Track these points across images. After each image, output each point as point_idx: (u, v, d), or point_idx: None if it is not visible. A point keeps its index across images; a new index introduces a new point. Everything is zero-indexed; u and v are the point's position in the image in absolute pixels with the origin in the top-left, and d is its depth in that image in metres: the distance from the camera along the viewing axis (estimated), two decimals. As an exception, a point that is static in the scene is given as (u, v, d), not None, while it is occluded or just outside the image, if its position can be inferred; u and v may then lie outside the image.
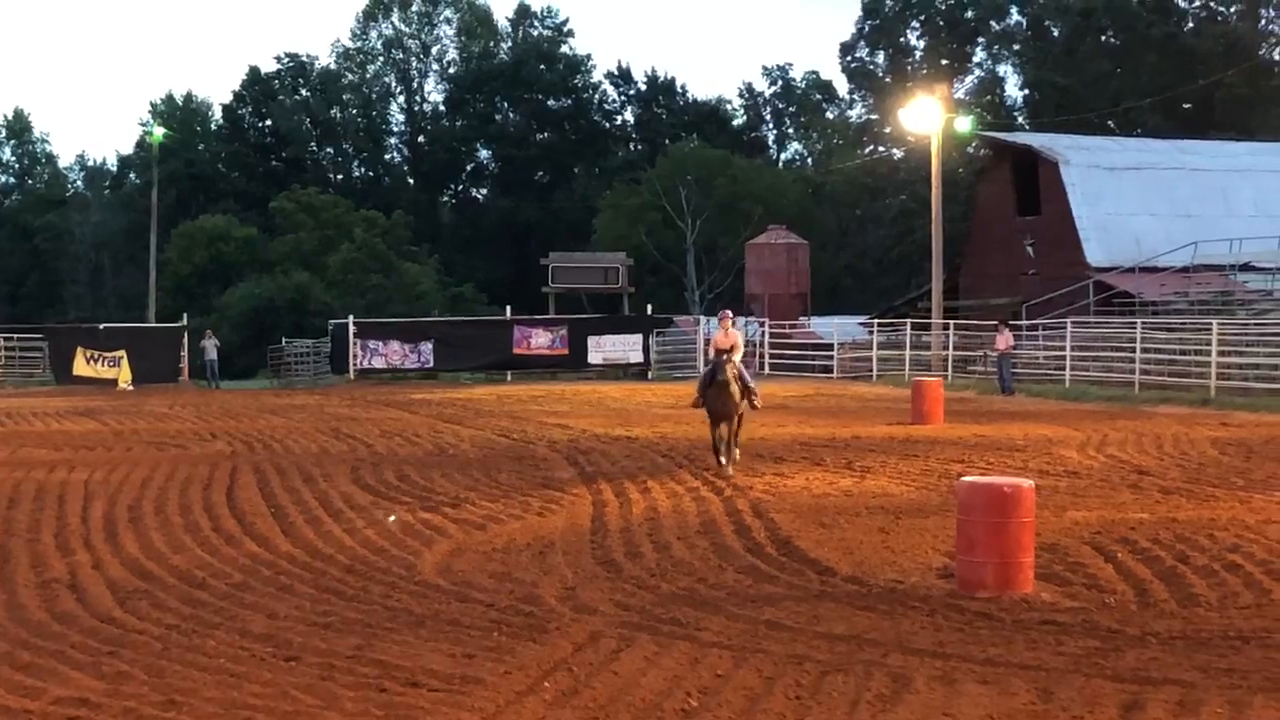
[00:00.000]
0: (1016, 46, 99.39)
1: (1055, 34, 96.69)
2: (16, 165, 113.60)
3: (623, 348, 53.35)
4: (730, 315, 23.01)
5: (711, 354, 22.20)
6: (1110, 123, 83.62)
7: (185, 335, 54.67)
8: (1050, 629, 11.51)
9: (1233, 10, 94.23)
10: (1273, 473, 20.78)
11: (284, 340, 66.91)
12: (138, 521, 17.41)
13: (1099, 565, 13.95)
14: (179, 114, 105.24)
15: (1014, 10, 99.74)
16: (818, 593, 12.98)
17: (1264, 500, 17.70)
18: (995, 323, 43.33)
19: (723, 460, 21.27)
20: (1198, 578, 13.31)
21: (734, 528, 16.39)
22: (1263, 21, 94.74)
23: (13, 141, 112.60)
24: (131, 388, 49.03)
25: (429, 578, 13.81)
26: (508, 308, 56.70)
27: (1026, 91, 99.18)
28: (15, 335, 55.00)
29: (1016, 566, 12.84)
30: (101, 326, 56.05)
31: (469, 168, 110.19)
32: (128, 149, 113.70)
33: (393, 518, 17.19)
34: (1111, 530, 15.71)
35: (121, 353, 51.36)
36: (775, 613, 12.12)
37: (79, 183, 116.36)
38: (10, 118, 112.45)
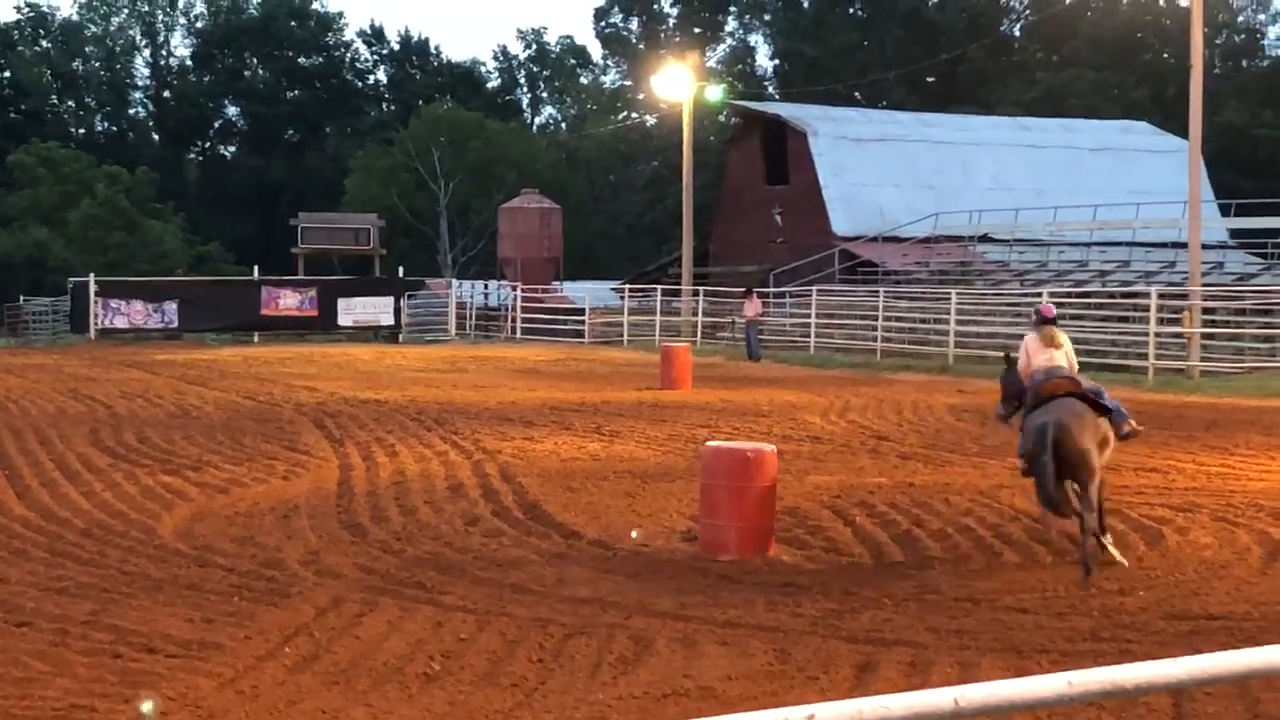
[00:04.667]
0: (767, 17, 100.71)
1: (805, 5, 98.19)
2: None
3: (373, 310, 52.91)
4: (1054, 310, 14.36)
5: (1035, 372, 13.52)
6: (857, 94, 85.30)
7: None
8: (790, 591, 11.74)
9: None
10: (1006, 439, 21.38)
11: (21, 298, 65.00)
12: None
13: (838, 529, 14.27)
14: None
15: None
16: (563, 556, 13.06)
17: (997, 466, 18.26)
18: (744, 290, 43.95)
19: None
20: (932, 541, 13.69)
21: (481, 492, 16.40)
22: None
23: None
24: None
25: (168, 542, 13.56)
26: (255, 268, 55.82)
27: (776, 62, 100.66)
28: None
29: (759, 530, 13.07)
30: None
31: (217, 124, 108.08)
32: None
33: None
34: (851, 494, 16.08)
35: None
36: (520, 576, 12.17)
37: None
38: None
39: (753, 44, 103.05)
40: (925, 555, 13.16)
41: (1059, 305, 38.67)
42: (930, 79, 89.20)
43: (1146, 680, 4.32)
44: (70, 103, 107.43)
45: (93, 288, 51.36)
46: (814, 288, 46.50)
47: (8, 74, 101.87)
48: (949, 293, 40.82)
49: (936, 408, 26.18)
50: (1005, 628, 10.63)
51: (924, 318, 42.15)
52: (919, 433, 22.52)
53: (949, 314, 39.30)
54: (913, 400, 27.46)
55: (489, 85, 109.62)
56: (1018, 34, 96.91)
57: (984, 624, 10.73)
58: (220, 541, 13.61)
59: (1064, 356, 13.37)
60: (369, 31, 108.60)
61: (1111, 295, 42.41)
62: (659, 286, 53.07)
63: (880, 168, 57.50)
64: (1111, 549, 12.81)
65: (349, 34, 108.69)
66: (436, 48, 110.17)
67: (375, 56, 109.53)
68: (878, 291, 43.79)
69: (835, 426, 23.25)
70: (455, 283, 60.63)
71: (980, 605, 11.32)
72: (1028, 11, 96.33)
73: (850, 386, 31.02)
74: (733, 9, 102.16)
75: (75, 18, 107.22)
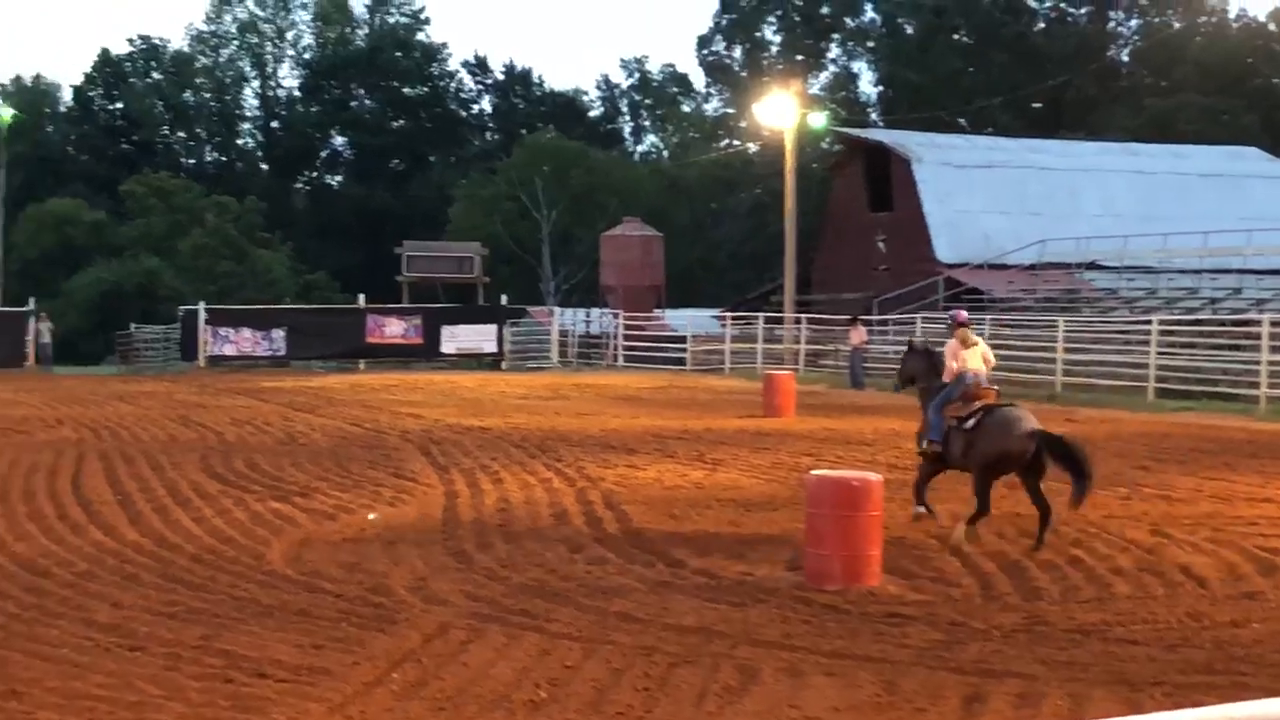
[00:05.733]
0: (871, 43, 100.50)
1: (909, 32, 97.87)
2: None
3: (477, 338, 53.20)
4: (966, 317, 16.98)
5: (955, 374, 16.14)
6: (961, 121, 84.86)
7: (32, 320, 53.68)
8: (896, 622, 11.65)
9: (1082, 11, 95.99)
10: (1115, 469, 21.17)
11: (133, 326, 65.92)
12: (-21, 509, 17.08)
13: (945, 559, 14.15)
14: (28, 95, 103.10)
15: (868, 7, 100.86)
16: (667, 585, 13.03)
17: (1107, 496, 18.03)
18: (847, 317, 43.76)
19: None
20: (1041, 572, 13.55)
21: (585, 519, 16.42)
22: (1111, 23, 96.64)
23: None
24: (-26, 372, 48.05)
25: (277, 568, 13.68)
26: (361, 296, 56.31)
27: (880, 88, 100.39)
28: None
29: (864, 560, 12.97)
30: (-56, 309, 54.87)
31: (323, 154, 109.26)
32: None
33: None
34: (958, 525, 15.93)
35: (-36, 337, 50.33)
36: (625, 604, 12.16)
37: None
38: None
39: (856, 70, 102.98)
40: (1033, 586, 13.02)
41: (1169, 332, 38.48)
42: (1036, 105, 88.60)
43: (1264, 717, 4.25)
44: (181, 133, 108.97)
45: (202, 316, 52.01)
46: (918, 315, 46.22)
47: (120, 105, 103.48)
48: (1056, 320, 40.45)
49: (1043, 437, 25.86)
50: (1116, 660, 10.50)
51: (1031, 346, 41.75)
52: (1026, 462, 22.26)
53: (1056, 342, 38.93)
54: (1019, 429, 27.15)
55: (591, 114, 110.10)
56: (1125, 59, 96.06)
57: (1095, 656, 10.59)
58: (328, 568, 13.70)
59: (979, 354, 16.07)
60: (473, 62, 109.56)
61: (1222, 323, 41.84)
62: (761, 314, 52.96)
63: (985, 194, 57.13)
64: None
65: (453, 64, 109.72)
66: (539, 77, 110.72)
67: (479, 86, 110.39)
68: (983, 319, 43.46)
69: (941, 455, 23.04)
70: (557, 310, 60.83)
71: (1090, 637, 11.18)
72: (1136, 37, 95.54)
73: (955, 415, 30.73)
74: (836, 36, 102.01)
75: (186, 50, 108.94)
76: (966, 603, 12.45)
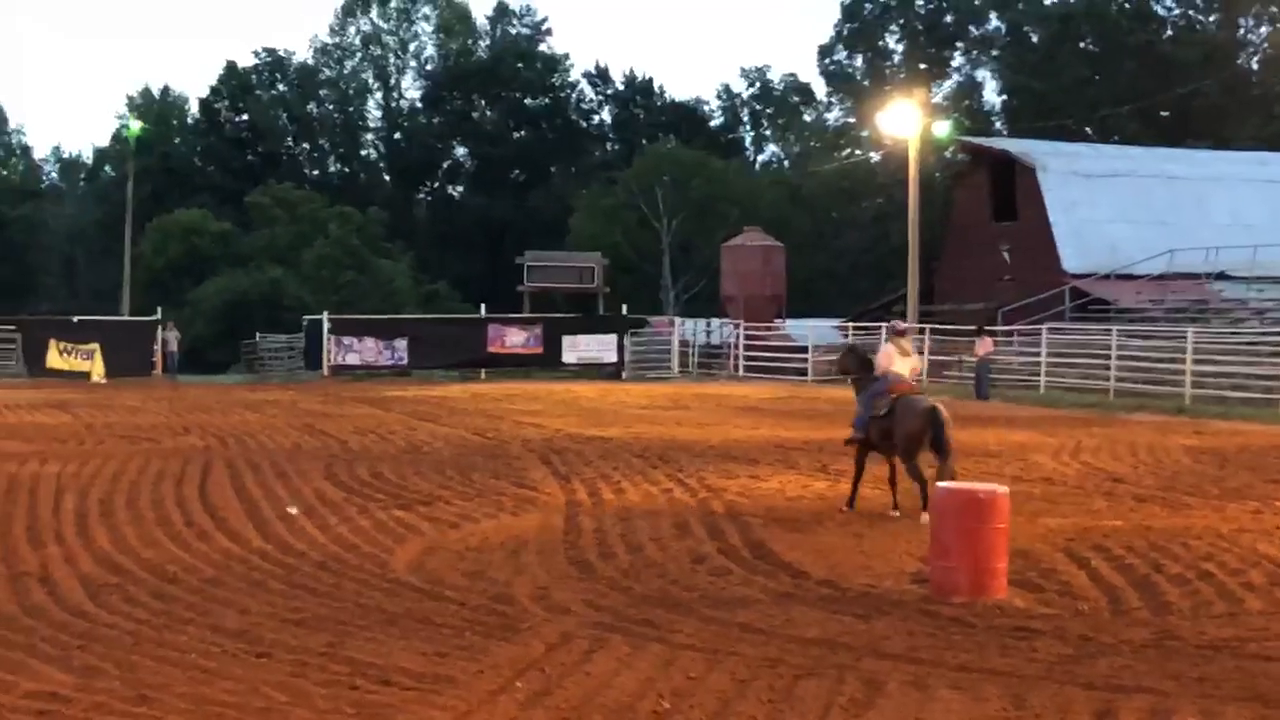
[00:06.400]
0: (995, 52, 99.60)
1: (1034, 40, 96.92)
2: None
3: (597, 347, 53.36)
4: (904, 327, 20.37)
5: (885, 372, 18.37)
6: (1088, 129, 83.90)
7: (160, 329, 54.50)
8: (1023, 635, 11.50)
9: (1211, 19, 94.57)
10: (1246, 482, 20.83)
11: (258, 335, 66.73)
12: (110, 515, 17.32)
13: (1072, 572, 13.96)
14: (155, 108, 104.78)
15: (993, 16, 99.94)
16: (791, 596, 12.96)
17: (1237, 509, 17.73)
18: (972, 328, 43.38)
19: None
20: (1171, 586, 13.32)
21: (708, 530, 16.37)
22: (1241, 30, 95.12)
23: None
24: (104, 381, 48.81)
25: (401, 575, 13.77)
26: (482, 306, 56.62)
27: (1005, 97, 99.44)
28: (-12, 326, 54.78)
29: (990, 572, 12.83)
30: (75, 319, 55.82)
31: (445, 165, 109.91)
32: (103, 142, 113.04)
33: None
34: (1085, 537, 15.73)
35: (95, 345, 51.09)
36: (748, 615, 12.09)
37: (54, 175, 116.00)
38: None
39: (980, 79, 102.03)
40: (1164, 601, 12.80)
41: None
42: (1164, 113, 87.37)
43: None
44: (305, 145, 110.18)
45: (326, 325, 52.57)
46: (1044, 325, 45.73)
47: (246, 117, 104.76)
48: (1185, 331, 39.85)
49: (1173, 449, 25.53)
50: (1250, 676, 10.28)
51: (1159, 357, 41.16)
52: (1155, 475, 21.96)
53: (1185, 353, 38.35)
54: (1148, 441, 26.82)
55: (712, 124, 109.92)
56: (1255, 67, 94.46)
57: (1227, 672, 10.38)
58: (451, 576, 13.76)
59: (908, 364, 18.50)
60: (594, 72, 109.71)
61: (1355, 334, 41.02)
62: (883, 324, 52.58)
63: (1112, 204, 56.44)
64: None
65: (574, 75, 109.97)
66: (660, 87, 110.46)
67: (600, 97, 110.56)
68: (1110, 330, 42.91)
69: (1067, 468, 22.78)
70: (678, 320, 60.79)
71: (1222, 653, 10.96)
72: (1265, 45, 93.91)
73: (1082, 427, 30.40)
74: (960, 44, 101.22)
75: (311, 62, 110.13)
76: (1095, 617, 12.27)
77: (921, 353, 48.96)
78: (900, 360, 18.28)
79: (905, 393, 17.89)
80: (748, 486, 19.90)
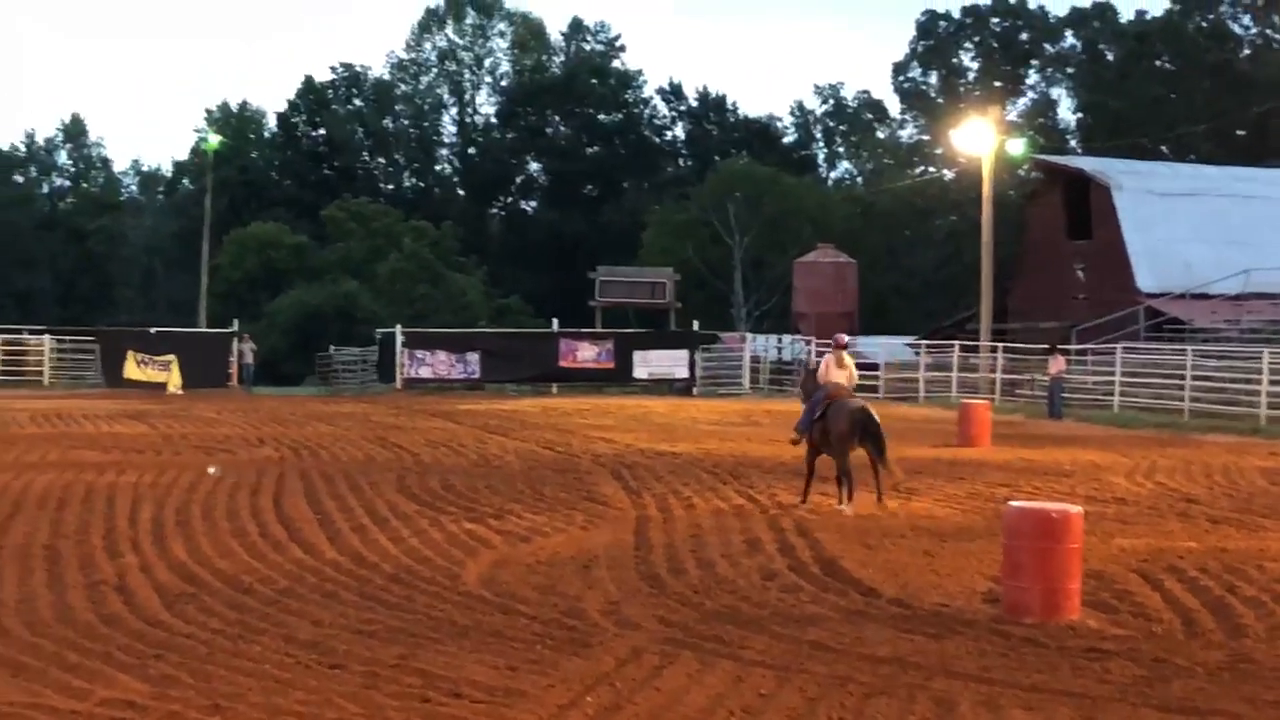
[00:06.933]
0: (1070, 70, 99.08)
1: (1110, 58, 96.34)
2: (72, 168, 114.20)
3: (668, 363, 53.40)
4: (847, 341, 22.06)
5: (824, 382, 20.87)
6: (1163, 148, 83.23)
7: (236, 341, 54.93)
8: (1096, 656, 11.45)
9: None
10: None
11: (332, 348, 67.14)
12: (185, 526, 17.50)
13: (1146, 593, 13.86)
14: (233, 121, 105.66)
15: (1069, 34, 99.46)
16: (862, 614, 12.94)
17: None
18: (1045, 346, 43.13)
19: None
20: (1246, 608, 13.21)
21: (778, 546, 16.37)
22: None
23: (69, 145, 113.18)
24: (181, 392, 49.22)
25: (473, 588, 13.84)
26: (554, 320, 56.78)
27: (1080, 115, 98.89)
28: (67, 337, 55.41)
29: (1063, 593, 12.77)
30: (153, 330, 56.32)
31: (518, 180, 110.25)
32: (182, 155, 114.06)
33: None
34: (1159, 559, 15.62)
35: (172, 357, 51.50)
36: (819, 633, 12.09)
37: (133, 187, 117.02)
38: (67, 122, 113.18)
39: (1055, 97, 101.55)
40: (1239, 624, 12.68)
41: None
42: (1240, 132, 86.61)
43: None
44: (380, 159, 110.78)
45: (399, 338, 52.87)
46: (1118, 345, 45.40)
47: (323, 131, 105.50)
48: (1261, 352, 39.43)
49: (1248, 470, 25.31)
50: (1326, 701, 10.19)
51: (1234, 377, 40.75)
52: (1230, 496, 21.77)
53: (1261, 374, 37.95)
54: (1223, 463, 26.59)
55: (785, 140, 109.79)
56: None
57: (1303, 696, 10.30)
58: (522, 589, 13.82)
59: (845, 375, 20.80)
60: (668, 89, 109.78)
61: None
62: (956, 342, 52.40)
63: (1187, 223, 55.94)
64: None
65: (648, 91, 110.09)
66: (733, 104, 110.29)
67: (673, 113, 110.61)
68: (1185, 349, 42.54)
69: (1141, 488, 22.62)
70: (749, 336, 60.74)
71: (1299, 677, 10.87)
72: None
73: (1156, 447, 30.17)
74: (1035, 62, 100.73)
75: (387, 77, 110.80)
76: (1169, 639, 12.18)
77: (994, 370, 48.88)
78: (837, 371, 20.80)
79: (839, 398, 20.16)
80: (818, 503, 19.87)
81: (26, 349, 54.07)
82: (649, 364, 53.03)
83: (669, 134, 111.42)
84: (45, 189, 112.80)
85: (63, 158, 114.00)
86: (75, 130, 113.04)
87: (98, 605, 12.98)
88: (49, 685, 10.14)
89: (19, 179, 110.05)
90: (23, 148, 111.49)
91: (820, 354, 54.02)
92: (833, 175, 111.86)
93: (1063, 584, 12.77)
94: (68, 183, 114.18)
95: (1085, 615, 12.82)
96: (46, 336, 54.27)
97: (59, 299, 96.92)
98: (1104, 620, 12.78)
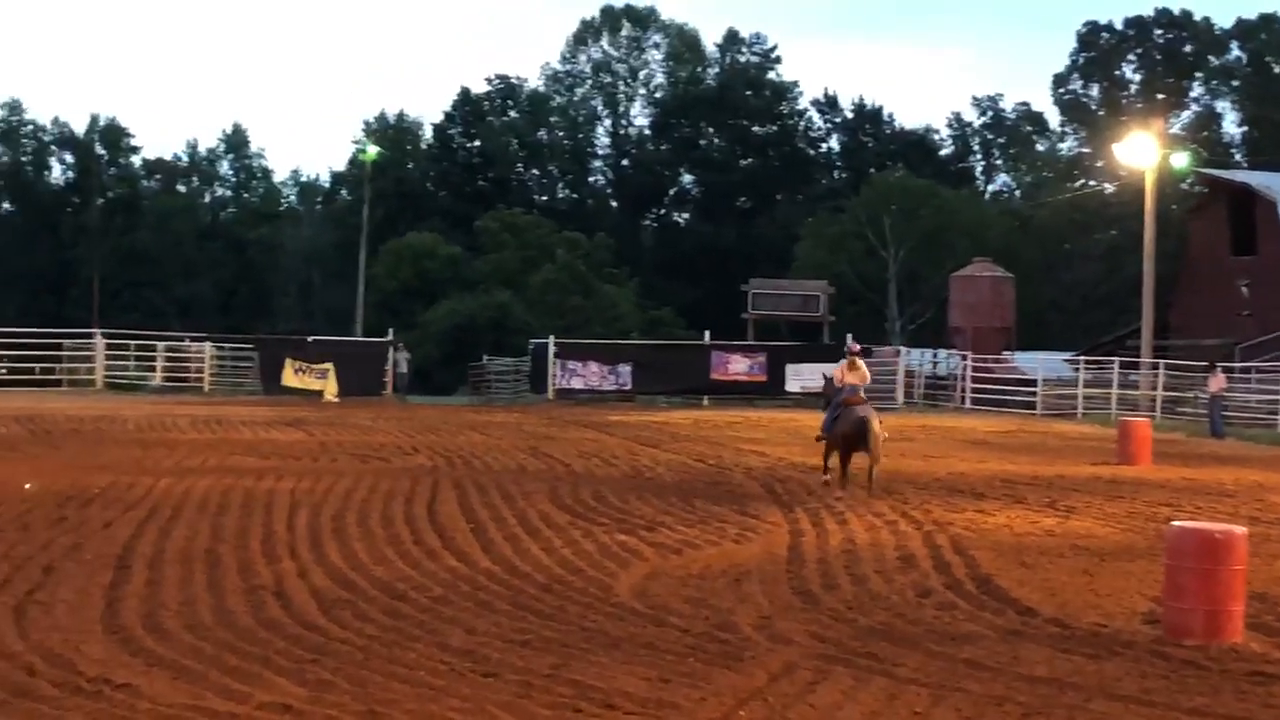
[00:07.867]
0: (1235, 82, 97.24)
1: (1276, 70, 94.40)
2: (233, 178, 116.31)
3: (821, 377, 53.05)
4: (859, 349, 26.15)
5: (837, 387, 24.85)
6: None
7: (391, 350, 55.52)
8: (1260, 680, 11.20)
9: None
10: None
11: (484, 357, 67.62)
12: (341, 532, 17.70)
13: (1312, 618, 13.53)
14: (391, 132, 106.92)
15: (1234, 45, 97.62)
16: (1018, 634, 12.75)
17: None
18: (1206, 364, 42.37)
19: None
20: None
21: (933, 563, 16.20)
22: None
23: (230, 155, 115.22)
24: (337, 399, 49.83)
25: (625, 600, 13.84)
26: (706, 333, 56.77)
27: (1244, 128, 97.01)
28: (226, 345, 56.40)
29: (1226, 615, 12.51)
30: (310, 339, 57.11)
31: (672, 192, 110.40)
32: (340, 166, 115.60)
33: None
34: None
35: (329, 365, 52.12)
36: (974, 652, 11.93)
37: (292, 197, 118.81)
38: (229, 132, 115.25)
39: (1219, 110, 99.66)
40: (1407, 650, 12.33)
41: None
42: None
43: None
44: (534, 171, 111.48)
45: (552, 349, 53.12)
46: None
47: (478, 143, 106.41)
48: None
49: None
50: None
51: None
52: (1399, 519, 21.18)
53: None
54: (1391, 484, 25.91)
55: (941, 153, 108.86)
56: None
57: None
58: (674, 602, 13.80)
59: (857, 376, 24.52)
60: (823, 100, 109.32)
61: None
62: (1115, 358, 51.60)
63: (1357, 238, 54.74)
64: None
65: (803, 103, 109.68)
66: (889, 115, 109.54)
67: (828, 124, 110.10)
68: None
69: (1306, 509, 22.10)
70: (903, 350, 60.28)
71: None
72: None
73: (1322, 468, 29.48)
74: (1199, 75, 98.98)
75: (542, 89, 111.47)
76: (1337, 665, 11.86)
77: (1155, 388, 48.08)
78: (850, 374, 24.43)
79: (852, 404, 23.57)
80: (974, 520, 19.65)
81: (188, 356, 55.09)
82: (801, 377, 52.70)
83: (824, 146, 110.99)
84: (207, 199, 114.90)
85: (224, 168, 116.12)
86: (237, 140, 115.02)
87: (256, 609, 13.16)
88: (209, 688, 10.30)
89: (182, 188, 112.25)
90: (186, 158, 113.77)
91: (975, 368, 53.69)
92: (990, 188, 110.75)
93: (1226, 606, 12.51)
94: (229, 193, 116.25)
95: (1248, 638, 12.54)
96: (207, 344, 55.23)
97: (219, 307, 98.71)
98: (1268, 644, 12.49)
